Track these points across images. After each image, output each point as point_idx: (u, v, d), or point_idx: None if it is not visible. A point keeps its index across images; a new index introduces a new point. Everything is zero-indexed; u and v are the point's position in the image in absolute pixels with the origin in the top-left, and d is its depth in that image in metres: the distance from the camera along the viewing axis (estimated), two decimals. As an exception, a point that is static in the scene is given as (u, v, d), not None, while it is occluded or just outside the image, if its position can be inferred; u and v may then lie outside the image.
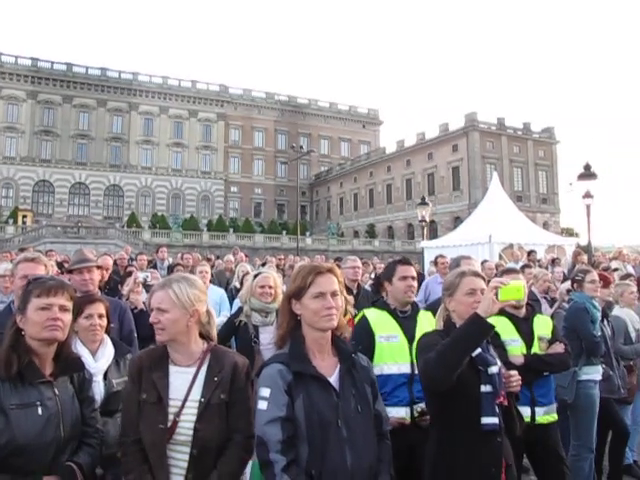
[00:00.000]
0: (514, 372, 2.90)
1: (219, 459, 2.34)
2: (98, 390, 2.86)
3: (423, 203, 21.47)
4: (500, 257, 13.15)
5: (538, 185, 61.30)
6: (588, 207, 14.63)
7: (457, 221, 46.42)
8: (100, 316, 3.04)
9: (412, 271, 3.73)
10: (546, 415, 3.80)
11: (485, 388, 2.65)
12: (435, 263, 9.43)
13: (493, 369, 2.69)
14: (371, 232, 67.28)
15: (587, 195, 14.63)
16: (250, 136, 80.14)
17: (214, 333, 2.61)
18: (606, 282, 5.75)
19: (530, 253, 14.00)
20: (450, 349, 2.49)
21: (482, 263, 10.08)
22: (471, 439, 2.61)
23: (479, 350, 2.65)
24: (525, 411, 3.67)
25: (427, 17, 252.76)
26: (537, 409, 3.78)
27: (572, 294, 5.49)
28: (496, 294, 2.45)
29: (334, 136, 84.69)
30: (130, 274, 6.37)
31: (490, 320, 2.45)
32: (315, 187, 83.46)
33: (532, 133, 62.29)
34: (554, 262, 12.90)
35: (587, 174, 14.93)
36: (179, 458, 2.32)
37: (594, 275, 5.24)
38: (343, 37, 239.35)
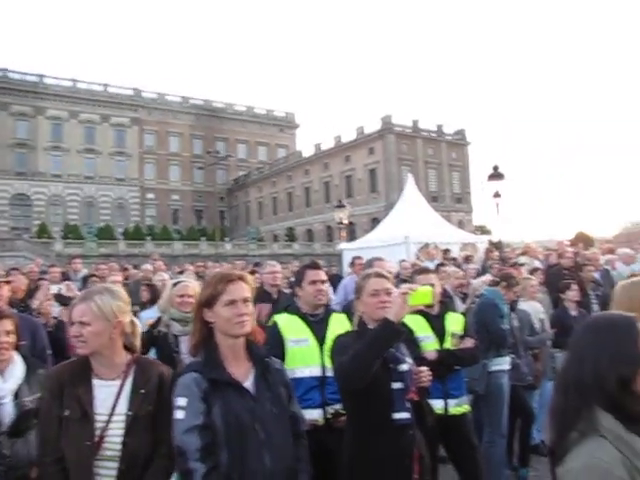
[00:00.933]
0: (424, 368, 3.03)
1: (145, 472, 2.31)
2: (7, 412, 2.72)
3: (340, 206, 21.79)
4: (417, 256, 13.46)
5: (452, 185, 63.41)
6: (497, 206, 15.23)
7: (375, 222, 47.18)
8: (7, 333, 2.86)
9: (321, 275, 3.78)
10: (458, 406, 3.98)
11: (396, 385, 2.77)
12: (352, 264, 9.61)
13: (403, 367, 2.82)
14: (291, 236, 67.42)
15: (496, 195, 15.26)
16: (165, 141, 78.46)
17: (138, 344, 2.58)
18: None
19: (445, 251, 14.44)
20: (363, 352, 2.58)
21: (400, 262, 10.40)
22: (384, 434, 2.71)
23: (390, 349, 2.76)
24: (438, 404, 3.86)
25: (341, 20, 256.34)
26: (450, 401, 3.96)
27: (483, 289, 5.76)
28: (408, 299, 2.58)
29: (251, 140, 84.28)
30: (38, 288, 6.12)
31: (406, 318, 2.55)
32: (234, 192, 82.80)
33: (445, 135, 64.41)
34: (467, 259, 13.34)
35: (496, 175, 15.57)
36: (106, 474, 2.28)
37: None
38: (258, 40, 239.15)
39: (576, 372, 1.58)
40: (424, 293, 2.63)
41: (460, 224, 52.19)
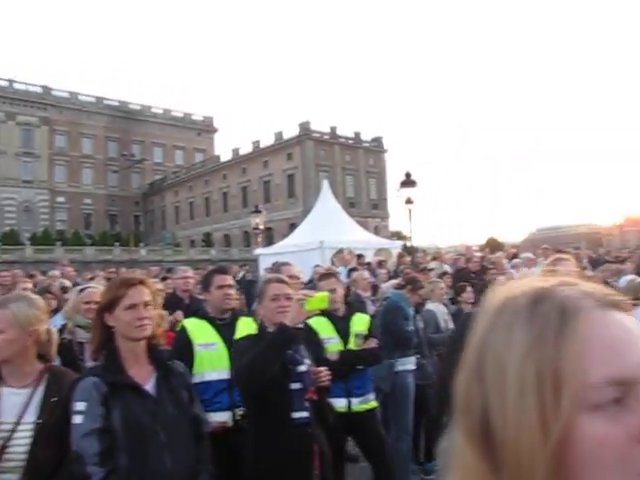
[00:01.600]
0: (323, 368, 3.15)
1: None
2: None
3: (256, 211, 21.82)
4: (332, 262, 13.66)
5: (369, 191, 64.65)
6: (410, 212, 15.67)
7: (292, 227, 47.46)
8: None
9: (229, 280, 3.85)
10: (362, 404, 4.15)
11: (295, 385, 2.89)
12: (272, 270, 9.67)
13: (302, 367, 2.96)
14: (208, 241, 66.65)
15: (408, 201, 15.71)
16: (78, 143, 75.51)
17: (54, 353, 2.55)
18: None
19: (359, 257, 14.77)
20: (261, 355, 2.69)
21: (314, 267, 10.57)
22: (284, 433, 2.82)
23: (289, 351, 2.87)
24: (341, 402, 4.02)
25: (260, 24, 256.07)
26: (353, 399, 4.13)
27: (389, 293, 5.98)
28: (304, 304, 2.71)
29: (168, 144, 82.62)
30: None
31: (312, 320, 2.66)
32: (149, 196, 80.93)
33: (363, 142, 65.59)
34: (381, 264, 13.70)
35: (408, 182, 16.04)
36: None
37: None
38: (176, 42, 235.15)
39: None
40: (320, 298, 2.78)
41: (376, 230, 53.22)
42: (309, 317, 3.14)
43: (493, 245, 42.07)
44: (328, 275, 4.57)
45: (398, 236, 53.64)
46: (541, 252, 14.55)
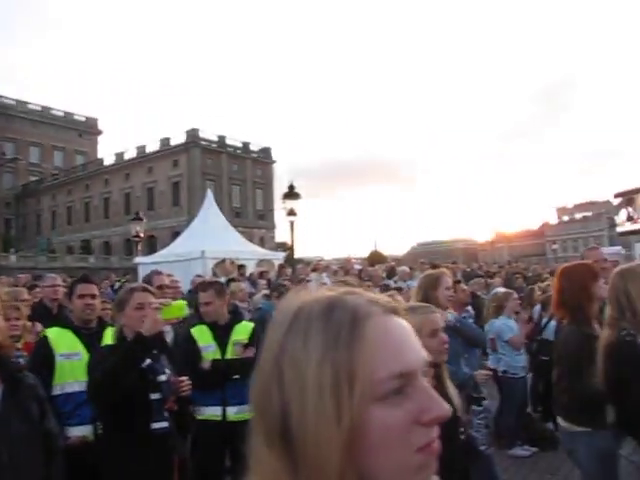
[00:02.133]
0: (184, 378, 3.15)
1: None
2: None
3: (137, 218, 21.21)
4: (213, 272, 13.60)
5: (256, 202, 64.60)
6: (292, 224, 15.86)
7: (176, 236, 46.49)
8: None
9: (92, 289, 3.77)
10: (239, 414, 4.12)
11: (154, 395, 2.88)
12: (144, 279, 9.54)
13: (162, 377, 2.94)
14: (87, 248, 63.79)
15: (291, 213, 15.87)
16: (-58, 139, 69.95)
17: None
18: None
19: (240, 267, 14.83)
20: (115, 366, 2.66)
21: (194, 277, 10.53)
22: (144, 444, 2.79)
23: (149, 360, 2.87)
24: (217, 410, 4.09)
25: (153, 27, 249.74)
26: (229, 409, 4.15)
27: (260, 303, 6.13)
28: (161, 313, 2.77)
29: (46, 144, 77.95)
30: None
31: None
32: (23, 199, 76.01)
33: (251, 152, 65.52)
34: (262, 275, 13.84)
35: (291, 194, 16.23)
36: None
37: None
38: (56, 39, 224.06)
39: None
40: (177, 307, 2.85)
41: (262, 240, 53.36)
42: (164, 325, 3.15)
43: (375, 258, 43.51)
44: (205, 286, 4.58)
45: (284, 247, 54.00)
46: (418, 266, 15.35)
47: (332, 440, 0.66)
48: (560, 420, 3.58)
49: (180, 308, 2.87)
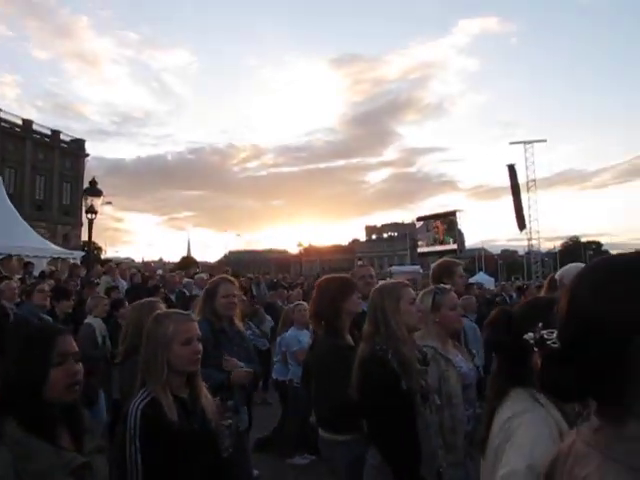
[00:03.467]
0: None
1: None
2: None
3: None
4: (-2, 270, 12.27)
5: (62, 196, 59.81)
6: (91, 222, 14.84)
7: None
8: None
9: None
10: None
11: None
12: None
13: None
14: None
15: (90, 210, 14.83)
16: None
17: None
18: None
19: (27, 265, 13.58)
20: None
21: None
22: None
23: None
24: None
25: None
26: None
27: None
28: None
29: None
30: None
31: None
32: None
33: (61, 142, 60.79)
34: (52, 275, 12.91)
35: (92, 190, 15.21)
36: None
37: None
38: None
39: None
40: None
41: (66, 238, 49.95)
42: None
43: (186, 263, 42.70)
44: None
45: (94, 246, 51.00)
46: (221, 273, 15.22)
47: None
48: (320, 430, 3.60)
49: None
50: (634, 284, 0.88)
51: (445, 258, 5.16)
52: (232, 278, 4.48)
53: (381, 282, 3.84)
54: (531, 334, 1.08)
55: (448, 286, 3.66)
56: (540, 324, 1.05)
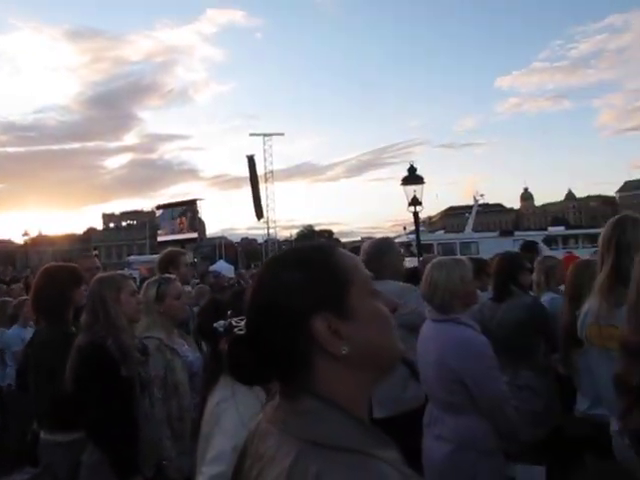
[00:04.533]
0: None
1: None
2: None
3: None
4: None
5: None
6: None
7: None
8: None
9: None
10: None
11: None
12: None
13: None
14: None
15: None
16: None
17: None
18: None
19: None
20: None
21: None
22: None
23: None
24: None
25: None
26: None
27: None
28: None
29: None
30: None
31: None
32: None
33: None
34: None
35: None
36: None
37: None
38: None
39: None
40: None
41: None
42: None
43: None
44: None
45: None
46: None
47: None
48: (41, 433, 3.35)
49: None
50: (304, 273, 0.95)
51: (170, 248, 5.21)
52: None
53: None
54: (222, 322, 1.12)
55: (173, 276, 3.70)
56: (229, 311, 1.09)
